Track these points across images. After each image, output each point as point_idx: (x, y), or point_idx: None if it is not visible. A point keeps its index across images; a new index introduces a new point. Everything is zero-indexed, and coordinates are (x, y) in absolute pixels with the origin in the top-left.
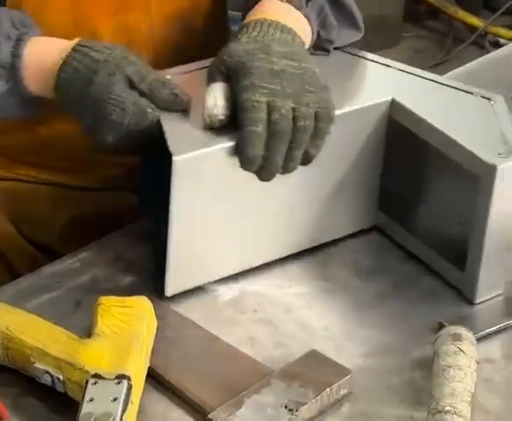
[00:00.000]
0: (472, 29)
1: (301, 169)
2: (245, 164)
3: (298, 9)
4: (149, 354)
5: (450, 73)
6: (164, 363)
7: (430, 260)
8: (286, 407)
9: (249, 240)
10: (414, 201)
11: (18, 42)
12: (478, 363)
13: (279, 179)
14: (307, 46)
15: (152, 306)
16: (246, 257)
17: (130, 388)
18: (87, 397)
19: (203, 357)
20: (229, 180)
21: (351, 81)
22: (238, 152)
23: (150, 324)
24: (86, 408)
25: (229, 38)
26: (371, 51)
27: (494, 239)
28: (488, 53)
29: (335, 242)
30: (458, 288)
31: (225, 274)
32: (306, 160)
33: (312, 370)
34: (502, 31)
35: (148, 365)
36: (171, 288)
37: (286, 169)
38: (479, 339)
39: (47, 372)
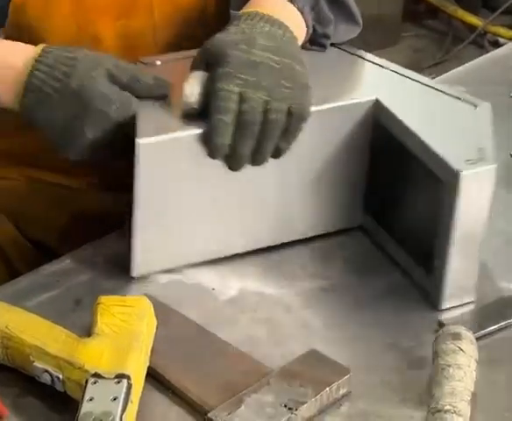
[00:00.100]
0: (472, 28)
1: (276, 162)
2: (212, 152)
3: (291, 2)
4: (149, 354)
5: (449, 72)
6: (164, 362)
7: (406, 264)
8: (285, 406)
9: (221, 229)
10: (393, 204)
11: None
12: (477, 362)
13: (252, 171)
14: (300, 41)
15: (151, 305)
16: (218, 245)
17: (129, 387)
18: (86, 396)
19: (203, 356)
20: (199, 167)
21: (340, 78)
22: (206, 140)
23: (150, 324)
24: (85, 407)
25: None
26: (370, 50)
27: (459, 245)
28: (488, 52)
29: (333, 241)
30: (428, 293)
31: (195, 261)
32: (276, 154)
33: (312, 369)
34: (502, 30)
35: (148, 364)
36: (136, 269)
37: (255, 161)
38: (478, 338)
39: (47, 371)
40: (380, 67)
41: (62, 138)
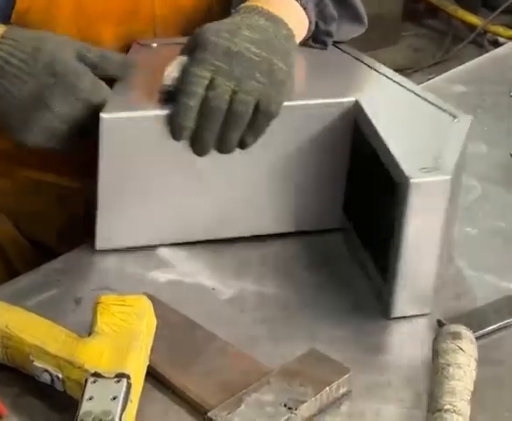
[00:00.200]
0: (472, 28)
1: (245, 152)
2: (174, 133)
3: None
4: (148, 353)
5: (449, 72)
6: (164, 362)
7: (370, 269)
8: (285, 405)
9: (183, 214)
10: (364, 207)
11: None
12: (477, 361)
13: (219, 159)
14: (301, 38)
15: (151, 305)
16: (179, 230)
17: (129, 386)
18: (86, 396)
19: (203, 356)
20: (164, 149)
21: (329, 77)
22: (169, 121)
23: (149, 323)
24: (85, 406)
25: None
26: (370, 49)
27: (410, 255)
28: (487, 51)
29: (334, 241)
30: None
31: (157, 242)
32: (242, 145)
33: (312, 369)
34: (501, 29)
35: (148, 363)
36: (100, 242)
37: (220, 149)
38: (478, 338)
39: (47, 370)
40: (372, 70)
41: (23, 115)
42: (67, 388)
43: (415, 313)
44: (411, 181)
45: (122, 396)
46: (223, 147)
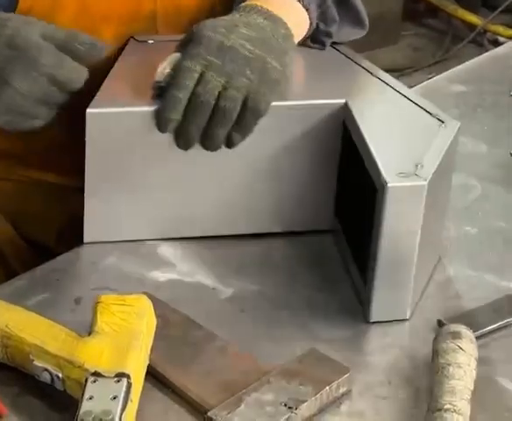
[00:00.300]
0: (471, 27)
1: (236, 151)
2: (159, 126)
3: (299, 0)
4: (149, 353)
5: (449, 71)
6: (164, 361)
7: (353, 271)
8: (285, 405)
9: (169, 210)
10: (351, 211)
11: None
12: (477, 361)
13: (207, 157)
14: (300, 38)
15: (151, 304)
16: (165, 226)
17: (129, 386)
18: (86, 395)
19: (203, 355)
20: (150, 145)
21: (322, 77)
22: (156, 113)
23: (149, 323)
24: (85, 406)
25: None
26: (370, 49)
27: (387, 260)
28: (487, 51)
29: (332, 241)
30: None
31: (144, 238)
32: (229, 143)
33: (312, 368)
34: (501, 29)
35: (148, 363)
36: (87, 235)
37: (205, 146)
38: (478, 337)
39: (46, 370)
40: (366, 72)
41: None
42: (67, 388)
43: (392, 318)
44: (388, 185)
45: (122, 395)
46: (208, 143)
